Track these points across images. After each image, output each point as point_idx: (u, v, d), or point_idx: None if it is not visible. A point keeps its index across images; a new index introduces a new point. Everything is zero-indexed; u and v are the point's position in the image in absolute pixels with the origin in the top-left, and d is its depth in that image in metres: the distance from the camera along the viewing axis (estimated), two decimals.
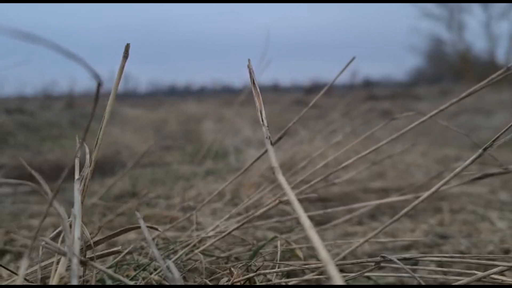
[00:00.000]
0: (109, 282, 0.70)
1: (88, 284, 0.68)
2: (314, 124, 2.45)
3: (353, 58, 0.85)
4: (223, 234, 0.83)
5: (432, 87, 13.53)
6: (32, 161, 2.59)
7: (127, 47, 0.62)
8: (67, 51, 0.39)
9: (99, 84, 0.41)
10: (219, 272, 0.79)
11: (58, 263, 0.58)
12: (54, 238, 0.62)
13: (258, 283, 0.75)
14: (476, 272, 0.63)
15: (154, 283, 0.72)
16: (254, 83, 0.60)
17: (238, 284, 0.73)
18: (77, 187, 0.61)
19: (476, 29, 19.11)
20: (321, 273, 0.74)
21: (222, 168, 2.43)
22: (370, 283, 0.88)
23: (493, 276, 0.62)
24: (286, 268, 0.78)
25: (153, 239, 0.94)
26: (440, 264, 0.98)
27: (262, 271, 0.75)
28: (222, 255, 0.92)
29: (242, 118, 4.72)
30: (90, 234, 0.66)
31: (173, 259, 0.79)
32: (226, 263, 0.89)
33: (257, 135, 3.78)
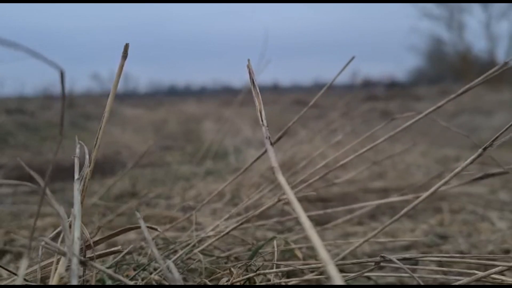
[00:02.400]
0: (109, 282, 0.70)
1: (88, 284, 0.68)
2: (314, 124, 2.45)
3: (353, 58, 0.85)
4: (223, 234, 0.83)
5: (432, 87, 13.53)
6: (32, 161, 2.60)
7: (126, 47, 0.62)
8: (42, 56, 0.39)
9: (63, 82, 0.41)
10: (219, 272, 0.79)
11: (58, 263, 0.58)
12: (54, 238, 0.62)
13: (258, 283, 0.75)
14: (476, 272, 0.63)
15: (154, 283, 0.72)
16: (253, 83, 0.60)
17: (238, 284, 0.73)
18: (77, 187, 0.61)
19: (476, 29, 19.06)
20: (321, 273, 0.74)
21: (222, 168, 2.43)
22: (370, 283, 0.88)
23: (493, 276, 0.62)
24: (286, 268, 0.78)
25: (153, 239, 0.94)
26: (440, 264, 0.98)
27: (262, 271, 0.75)
28: (222, 255, 0.92)
29: (242, 118, 4.72)
30: (90, 234, 0.66)
31: (173, 259, 0.79)
32: (226, 263, 0.89)
33: (257, 135, 3.78)
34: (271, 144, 0.51)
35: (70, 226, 0.54)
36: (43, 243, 0.56)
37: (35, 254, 0.82)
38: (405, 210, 0.66)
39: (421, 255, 0.75)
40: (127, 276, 0.78)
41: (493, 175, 0.77)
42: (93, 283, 0.65)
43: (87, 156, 0.66)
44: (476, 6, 17.03)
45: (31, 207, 1.67)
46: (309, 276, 0.75)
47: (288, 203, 0.89)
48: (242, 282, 0.73)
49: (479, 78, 0.69)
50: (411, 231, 1.33)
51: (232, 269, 0.76)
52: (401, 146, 1.87)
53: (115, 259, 0.84)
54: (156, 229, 0.71)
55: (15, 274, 0.71)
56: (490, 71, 0.67)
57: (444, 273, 0.75)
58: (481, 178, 0.79)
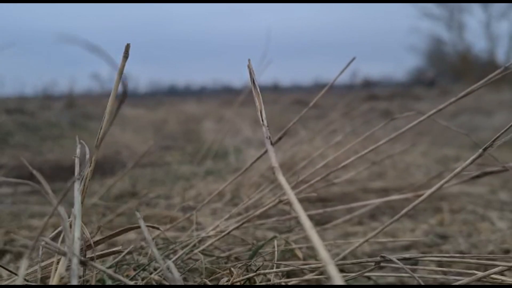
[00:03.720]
0: (109, 282, 0.70)
1: (88, 284, 0.68)
2: (314, 124, 2.45)
3: (353, 59, 0.85)
4: (223, 234, 0.83)
5: (432, 87, 13.53)
6: (32, 161, 2.59)
7: (127, 47, 0.62)
8: (106, 54, 0.39)
9: (126, 90, 0.42)
10: (219, 272, 0.79)
11: (58, 263, 0.58)
12: (54, 238, 0.62)
13: (258, 283, 0.75)
14: (476, 272, 0.63)
15: (154, 283, 0.72)
16: (254, 83, 0.60)
17: (238, 284, 0.73)
18: (77, 187, 0.61)
19: (476, 29, 19.05)
20: (321, 273, 0.74)
21: (222, 168, 2.43)
22: (370, 283, 0.88)
23: (493, 276, 0.62)
24: (286, 268, 0.78)
25: (153, 239, 0.94)
26: (440, 264, 0.98)
27: (262, 271, 0.75)
28: (222, 255, 0.92)
29: (242, 118, 4.72)
30: (90, 234, 0.66)
31: (173, 259, 0.79)
32: (226, 263, 0.89)
33: (257, 135, 3.78)
34: (272, 144, 0.51)
35: (70, 226, 0.54)
36: (43, 243, 0.56)
37: (36, 254, 0.82)
38: (405, 210, 0.66)
39: (421, 255, 0.75)
40: (127, 276, 0.78)
41: (491, 173, 0.77)
42: (93, 283, 0.65)
43: (87, 156, 0.66)
44: (476, 6, 17.04)
45: (31, 207, 1.67)
46: (309, 276, 0.75)
47: (288, 203, 0.89)
48: (242, 282, 0.73)
49: (481, 82, 0.69)
50: (411, 231, 1.33)
51: (232, 269, 0.76)
52: (401, 146, 1.87)
53: (115, 259, 0.84)
54: (157, 228, 0.71)
55: (16, 274, 0.71)
56: (492, 75, 0.67)
57: (444, 273, 0.75)
58: (479, 176, 0.80)
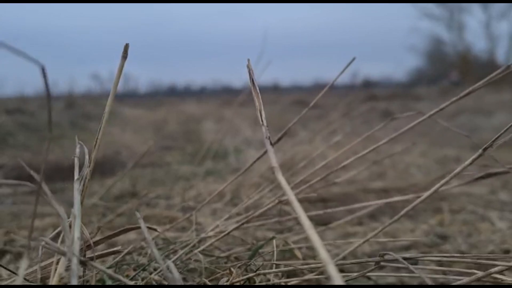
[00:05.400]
0: (109, 282, 0.70)
1: (88, 284, 0.68)
2: (314, 125, 2.45)
3: (354, 59, 0.85)
4: (223, 234, 0.83)
5: (432, 87, 13.54)
6: (32, 161, 2.59)
7: (126, 47, 0.62)
8: (16, 49, 0.39)
9: (46, 81, 0.41)
10: (219, 272, 0.79)
11: (58, 263, 0.58)
12: (54, 238, 0.62)
13: (257, 283, 0.75)
14: (476, 272, 0.63)
15: (154, 283, 0.72)
16: (253, 83, 0.60)
17: (238, 284, 0.73)
18: (77, 187, 0.61)
19: (476, 29, 19.12)
20: (321, 273, 0.74)
21: (222, 168, 2.43)
22: (370, 283, 0.88)
23: (493, 276, 0.62)
24: (286, 268, 0.78)
25: (153, 239, 0.94)
26: (440, 264, 0.98)
27: (262, 271, 0.75)
28: (222, 255, 0.92)
29: (242, 118, 4.72)
30: (90, 234, 0.66)
31: (172, 259, 0.79)
32: (225, 263, 0.89)
33: (257, 135, 3.78)
34: (271, 144, 0.51)
35: (70, 226, 0.54)
36: (43, 243, 0.56)
37: (35, 254, 0.82)
38: (405, 210, 0.66)
39: (421, 255, 0.75)
40: (127, 276, 0.78)
41: (495, 174, 0.77)
42: (93, 283, 0.65)
43: (87, 156, 0.66)
44: (476, 6, 17.08)
45: (31, 207, 1.67)
46: (309, 276, 0.75)
47: (288, 203, 0.89)
48: (242, 282, 0.73)
49: (481, 82, 0.69)
50: (411, 231, 1.33)
51: (232, 269, 0.76)
52: (401, 146, 1.87)
53: (115, 259, 0.84)
54: (155, 230, 0.71)
55: (16, 274, 0.71)
56: (492, 75, 0.67)
57: (444, 273, 0.75)
58: (483, 177, 0.80)
